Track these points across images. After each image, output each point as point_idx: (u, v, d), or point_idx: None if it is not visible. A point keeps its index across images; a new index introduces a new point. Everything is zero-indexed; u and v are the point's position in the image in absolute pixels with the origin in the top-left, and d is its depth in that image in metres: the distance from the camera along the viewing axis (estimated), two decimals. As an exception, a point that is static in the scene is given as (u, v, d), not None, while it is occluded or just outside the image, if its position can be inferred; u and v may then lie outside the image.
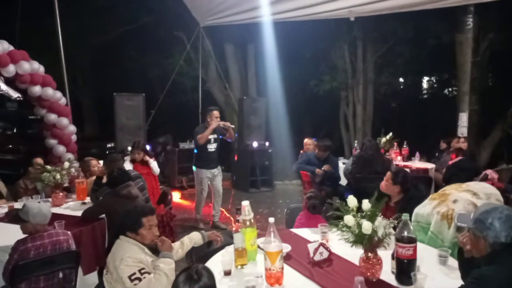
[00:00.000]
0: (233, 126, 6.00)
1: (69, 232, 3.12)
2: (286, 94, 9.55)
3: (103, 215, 3.79)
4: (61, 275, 2.93)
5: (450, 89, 13.36)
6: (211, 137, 5.81)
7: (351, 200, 2.27)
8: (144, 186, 4.63)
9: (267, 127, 9.18)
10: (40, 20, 9.66)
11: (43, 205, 3.01)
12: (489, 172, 4.62)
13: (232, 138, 6.15)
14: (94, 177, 4.57)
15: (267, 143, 8.85)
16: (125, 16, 11.37)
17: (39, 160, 5.03)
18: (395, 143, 7.04)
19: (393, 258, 2.26)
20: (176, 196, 7.49)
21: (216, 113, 5.80)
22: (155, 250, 2.58)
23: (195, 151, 6.03)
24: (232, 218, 6.24)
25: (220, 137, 5.98)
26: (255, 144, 8.62)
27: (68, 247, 2.99)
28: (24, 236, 2.91)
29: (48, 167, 4.46)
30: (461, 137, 7.04)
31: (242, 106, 8.91)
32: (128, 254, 2.41)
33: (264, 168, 8.77)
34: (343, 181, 6.17)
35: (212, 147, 5.86)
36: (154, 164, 5.46)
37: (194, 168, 6.01)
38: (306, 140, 6.91)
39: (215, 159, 5.97)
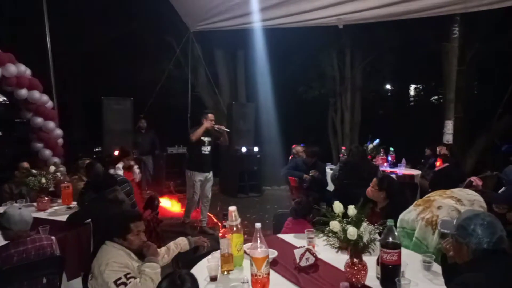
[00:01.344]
0: (228, 130, 5.97)
1: (53, 237, 3.08)
2: (275, 100, 9.60)
3: (89, 220, 3.75)
4: (44, 280, 2.89)
5: (436, 97, 13.55)
6: (205, 139, 5.78)
7: (337, 206, 2.29)
8: (130, 191, 4.60)
9: (256, 132, 9.20)
10: (29, 24, 9.57)
11: (24, 211, 2.95)
12: (473, 179, 4.67)
13: (227, 142, 6.12)
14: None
15: (256, 148, 8.86)
16: (115, 20, 11.31)
17: (25, 165, 4.97)
18: (381, 150, 7.11)
19: (378, 263, 2.28)
20: (163, 202, 7.44)
21: (211, 116, 5.80)
22: (141, 255, 2.56)
23: (188, 153, 6.00)
24: (219, 224, 6.23)
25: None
26: (244, 149, 8.63)
27: (52, 252, 2.95)
28: (5, 242, 2.87)
29: (34, 171, 4.41)
30: (446, 144, 7.14)
31: (231, 111, 8.92)
32: (114, 259, 2.39)
33: (253, 173, 8.77)
34: (331, 187, 6.20)
35: (206, 149, 5.81)
36: (137, 170, 5.45)
37: (186, 171, 5.94)
38: (297, 148, 6.93)
39: (208, 162, 5.93)
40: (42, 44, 6.88)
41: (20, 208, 2.98)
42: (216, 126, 5.78)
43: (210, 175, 6.02)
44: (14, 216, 2.85)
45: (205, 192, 6.02)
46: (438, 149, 6.90)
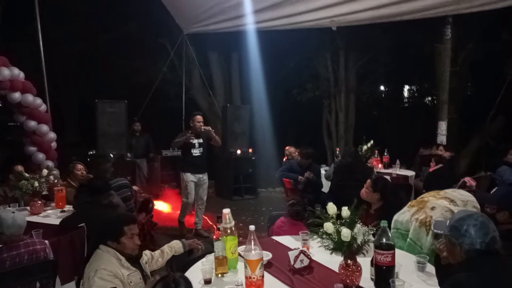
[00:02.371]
0: (213, 130, 5.96)
1: (46, 241, 3.06)
2: (269, 102, 9.60)
3: (82, 224, 3.73)
4: (38, 285, 2.87)
5: (430, 98, 13.61)
6: (195, 141, 5.81)
7: (331, 207, 2.29)
8: (129, 196, 4.58)
9: (251, 134, 9.20)
10: (22, 26, 9.52)
11: (17, 215, 2.93)
12: (467, 179, 4.70)
13: (219, 143, 6.15)
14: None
15: (250, 151, 8.87)
16: (109, 23, 11.29)
17: (20, 168, 4.93)
18: (376, 151, 7.13)
19: (372, 265, 2.28)
20: (158, 204, 7.41)
21: (198, 117, 5.83)
22: (133, 261, 2.54)
23: (181, 155, 6.08)
24: (214, 226, 6.22)
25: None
26: (238, 151, 8.63)
27: (45, 256, 2.93)
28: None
29: (26, 174, 4.38)
30: (441, 144, 7.18)
31: (225, 114, 8.92)
32: (104, 266, 2.36)
33: (248, 175, 8.77)
34: (326, 189, 6.21)
35: (196, 152, 5.84)
36: None
37: (180, 173, 5.98)
38: (290, 149, 6.94)
39: (201, 165, 5.94)
40: (36, 47, 6.84)
41: (13, 212, 2.96)
42: (203, 128, 5.80)
43: (204, 176, 6.01)
44: (7, 220, 2.83)
45: (200, 195, 6.02)
46: (432, 151, 6.94)
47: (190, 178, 5.85)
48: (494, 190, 3.38)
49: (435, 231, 2.15)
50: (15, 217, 2.88)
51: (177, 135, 5.85)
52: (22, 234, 2.92)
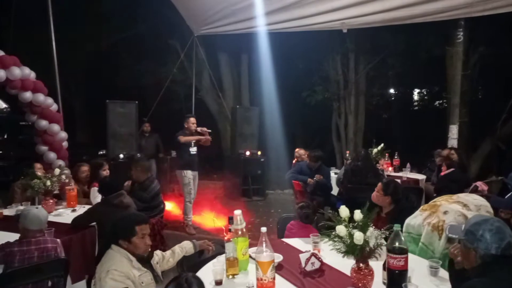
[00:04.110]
0: (209, 131, 6.27)
1: (58, 240, 3.09)
2: (279, 104, 9.60)
3: (94, 223, 3.75)
4: (49, 283, 2.90)
5: (440, 102, 13.52)
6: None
7: (343, 210, 2.28)
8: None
9: (260, 136, 9.20)
10: (34, 27, 9.62)
11: (41, 210, 3.04)
12: (479, 184, 4.65)
13: (208, 143, 6.34)
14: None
15: (259, 152, 8.86)
16: (120, 24, 11.38)
17: (39, 165, 5.00)
18: (386, 154, 7.08)
19: (384, 269, 2.26)
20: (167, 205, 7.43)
21: (192, 119, 6.21)
22: (144, 262, 2.54)
23: (179, 154, 6.34)
24: (223, 228, 6.21)
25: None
26: (247, 153, 8.63)
27: (56, 255, 2.96)
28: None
29: (39, 173, 4.43)
30: (452, 148, 7.10)
31: (235, 115, 8.94)
32: (115, 266, 2.36)
33: (257, 177, 8.75)
34: (335, 191, 6.19)
35: (193, 150, 6.16)
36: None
37: (178, 171, 6.21)
38: (300, 151, 6.93)
39: (196, 162, 6.25)
40: (47, 47, 6.91)
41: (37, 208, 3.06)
42: (199, 128, 6.15)
43: (197, 174, 6.33)
44: (36, 215, 2.94)
45: (195, 191, 6.30)
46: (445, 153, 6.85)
47: (190, 175, 6.14)
48: (509, 195, 3.34)
49: (449, 235, 2.13)
50: (38, 212, 3.00)
51: (179, 134, 6.12)
52: (41, 230, 3.00)
